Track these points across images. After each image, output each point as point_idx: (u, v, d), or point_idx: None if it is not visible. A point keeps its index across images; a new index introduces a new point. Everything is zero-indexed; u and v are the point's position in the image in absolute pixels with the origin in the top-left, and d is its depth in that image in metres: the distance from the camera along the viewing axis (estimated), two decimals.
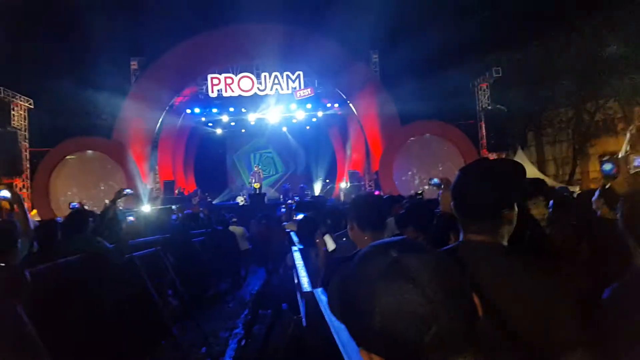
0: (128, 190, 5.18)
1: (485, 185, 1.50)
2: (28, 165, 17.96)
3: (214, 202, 20.02)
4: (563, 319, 1.32)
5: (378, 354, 0.77)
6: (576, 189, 13.36)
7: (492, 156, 18.93)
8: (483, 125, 18.73)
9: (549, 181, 15.44)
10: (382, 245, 0.82)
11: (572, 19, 22.87)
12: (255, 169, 20.16)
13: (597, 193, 3.32)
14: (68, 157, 17.67)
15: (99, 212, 5.38)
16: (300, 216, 5.86)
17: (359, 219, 2.46)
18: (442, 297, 0.73)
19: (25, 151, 17.96)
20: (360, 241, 2.44)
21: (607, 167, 3.25)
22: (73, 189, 17.42)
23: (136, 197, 15.33)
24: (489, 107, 18.52)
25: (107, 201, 5.31)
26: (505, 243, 1.52)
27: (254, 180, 19.32)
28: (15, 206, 4.25)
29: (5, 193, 4.25)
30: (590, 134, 25.89)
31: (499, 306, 1.23)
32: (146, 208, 12.81)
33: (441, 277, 0.75)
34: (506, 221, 1.51)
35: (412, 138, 18.13)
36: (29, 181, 17.70)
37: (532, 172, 17.92)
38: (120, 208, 6.41)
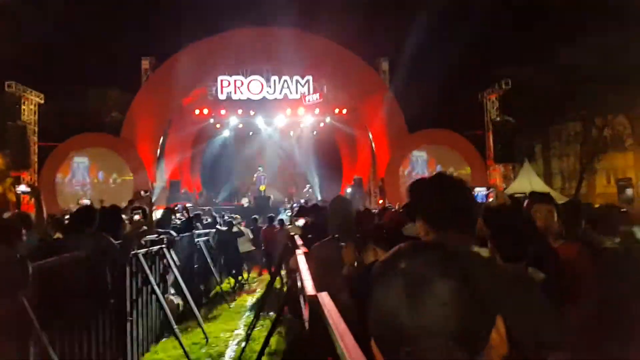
0: (144, 192, 5.25)
1: (465, 197, 1.58)
2: (36, 160, 18.08)
3: (217, 202, 20.07)
4: (545, 322, 1.39)
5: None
6: None
7: (499, 167, 18.90)
8: (490, 136, 18.69)
9: (556, 195, 15.38)
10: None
11: (583, 33, 22.83)
12: (258, 173, 20.24)
13: None
14: (76, 153, 17.75)
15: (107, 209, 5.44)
16: (301, 221, 5.89)
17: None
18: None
19: (34, 145, 18.08)
20: None
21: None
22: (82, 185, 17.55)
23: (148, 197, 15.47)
24: (497, 119, 18.48)
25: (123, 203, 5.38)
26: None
27: (257, 184, 19.39)
28: (33, 200, 4.32)
29: (25, 187, 4.36)
30: (598, 148, 25.77)
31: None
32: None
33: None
34: (476, 230, 1.58)
35: (419, 146, 18.13)
36: (36, 175, 17.81)
37: (538, 185, 17.84)
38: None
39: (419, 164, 18.70)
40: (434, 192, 1.63)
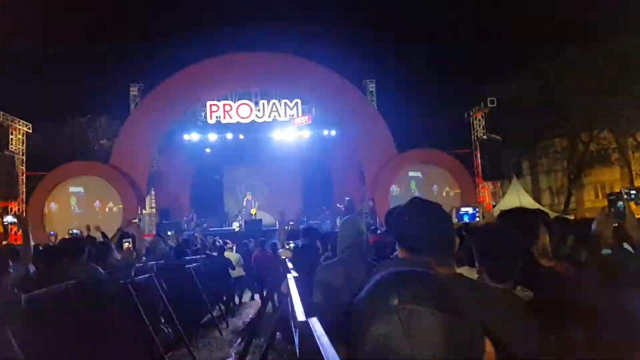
0: (134, 220, 5.22)
1: (442, 220, 1.60)
2: (24, 189, 17.93)
3: (205, 226, 19.93)
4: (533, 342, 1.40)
5: None
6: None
7: (488, 185, 19.04)
8: (478, 155, 18.88)
9: (545, 210, 15.51)
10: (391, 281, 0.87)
11: (567, 50, 23.34)
12: (248, 197, 20.23)
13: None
14: (71, 182, 17.53)
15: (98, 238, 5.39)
16: (291, 245, 5.88)
17: None
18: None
19: (22, 175, 17.96)
20: None
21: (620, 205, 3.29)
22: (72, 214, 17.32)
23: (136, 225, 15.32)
24: (484, 137, 18.69)
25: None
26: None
27: (248, 208, 19.33)
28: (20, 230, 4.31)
29: (12, 218, 4.34)
30: (584, 163, 26.09)
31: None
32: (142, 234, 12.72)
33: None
34: (454, 251, 1.63)
35: (408, 166, 18.23)
36: (24, 205, 17.64)
37: (527, 201, 17.98)
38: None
39: (416, 184, 18.69)
40: (409, 218, 1.64)
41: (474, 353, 0.82)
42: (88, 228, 7.64)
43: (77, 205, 17.61)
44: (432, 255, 1.55)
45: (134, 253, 6.17)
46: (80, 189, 17.61)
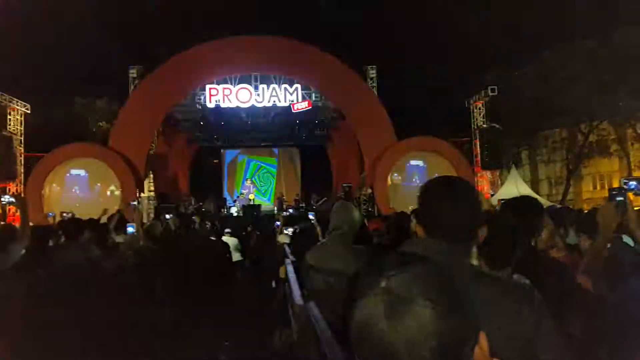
0: (134, 203, 5.23)
1: (462, 205, 1.47)
2: (22, 170, 17.90)
3: (204, 210, 19.95)
4: (543, 345, 1.34)
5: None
6: None
7: (487, 174, 19.05)
8: (477, 143, 18.85)
9: (543, 201, 15.51)
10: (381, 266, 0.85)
11: (568, 40, 23.20)
12: (247, 183, 20.25)
13: None
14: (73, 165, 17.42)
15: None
16: (289, 230, 5.91)
17: None
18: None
19: (20, 156, 17.91)
20: None
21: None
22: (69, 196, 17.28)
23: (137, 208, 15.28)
24: (484, 125, 18.64)
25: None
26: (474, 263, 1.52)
27: (247, 193, 19.33)
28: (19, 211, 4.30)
29: (11, 198, 4.33)
30: (583, 154, 26.07)
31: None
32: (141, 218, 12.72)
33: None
34: (477, 241, 1.50)
35: (407, 154, 18.20)
36: (22, 186, 17.62)
37: (525, 191, 18.00)
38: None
39: (419, 172, 18.60)
40: (434, 194, 1.54)
41: (461, 342, 0.79)
42: (105, 212, 7.52)
43: (79, 188, 17.56)
44: (450, 242, 1.42)
45: (137, 237, 6.19)
46: (82, 172, 17.53)
